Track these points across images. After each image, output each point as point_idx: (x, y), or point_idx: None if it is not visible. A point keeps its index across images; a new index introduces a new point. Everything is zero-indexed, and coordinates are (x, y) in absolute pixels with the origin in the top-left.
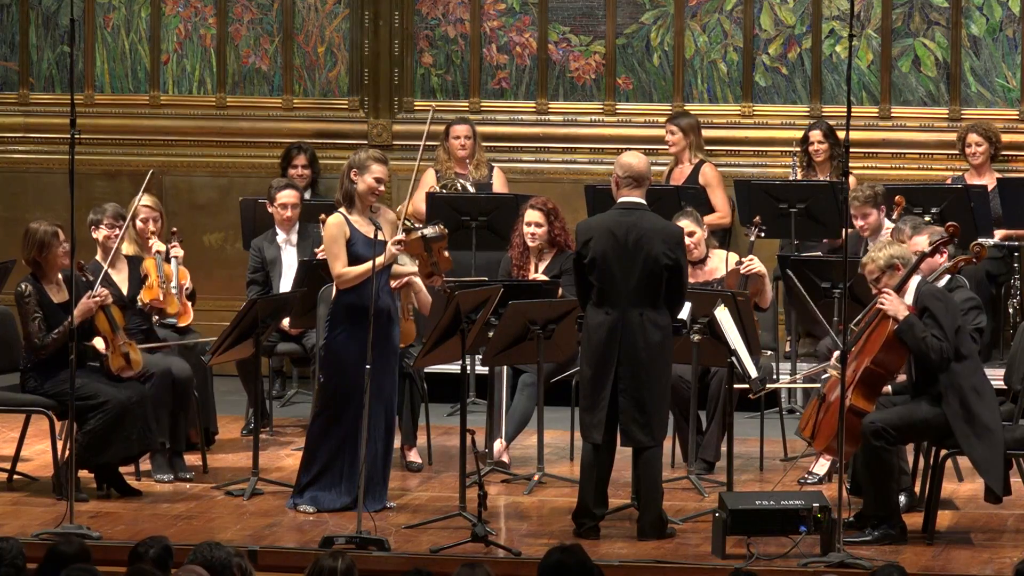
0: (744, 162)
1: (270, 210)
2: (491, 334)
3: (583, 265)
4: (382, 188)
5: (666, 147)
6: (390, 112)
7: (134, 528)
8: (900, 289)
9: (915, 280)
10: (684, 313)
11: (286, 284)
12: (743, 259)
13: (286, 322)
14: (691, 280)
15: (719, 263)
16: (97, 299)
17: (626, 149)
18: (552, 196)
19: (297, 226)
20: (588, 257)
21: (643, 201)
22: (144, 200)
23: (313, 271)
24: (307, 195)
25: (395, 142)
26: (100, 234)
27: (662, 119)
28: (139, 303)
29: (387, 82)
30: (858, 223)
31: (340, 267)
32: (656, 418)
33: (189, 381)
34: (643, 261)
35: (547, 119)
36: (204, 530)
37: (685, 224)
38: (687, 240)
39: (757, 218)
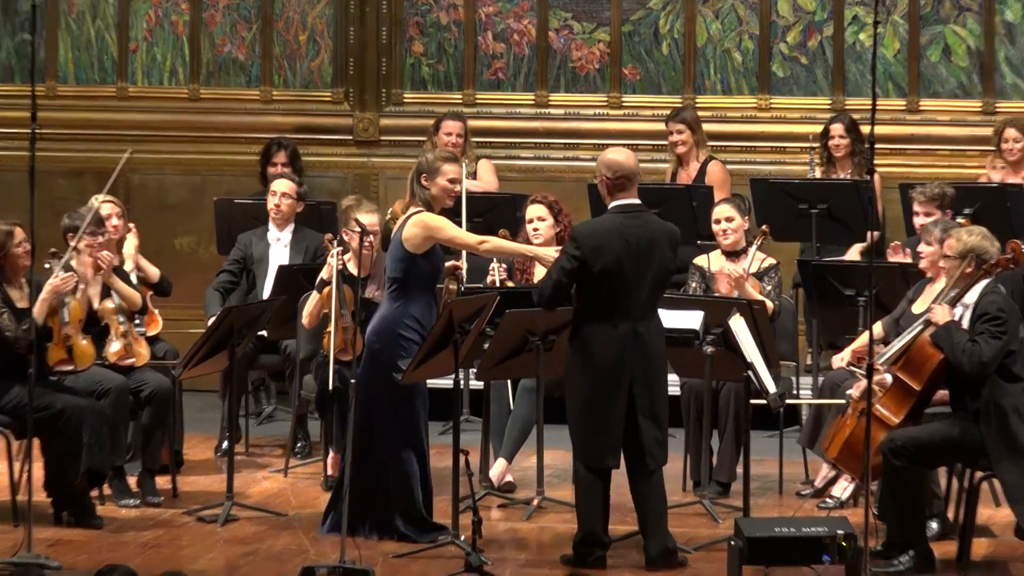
0: (760, 159)
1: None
2: (486, 346)
3: (590, 276)
4: (458, 188)
5: (673, 146)
6: (377, 105)
7: (97, 557)
8: (963, 293)
9: (982, 283)
10: (696, 323)
11: (269, 286)
12: (735, 266)
13: (265, 331)
14: (723, 269)
15: (755, 263)
16: (59, 283)
17: (632, 145)
18: (556, 193)
19: (292, 226)
20: (598, 267)
21: (639, 202)
22: (105, 197)
23: (292, 277)
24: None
25: (382, 137)
26: (83, 243)
27: (667, 112)
28: (105, 362)
29: (374, 73)
30: (918, 221)
31: (475, 238)
32: (666, 435)
33: (169, 395)
34: (654, 268)
35: (547, 113)
36: (173, 559)
37: (724, 210)
38: (726, 226)
39: (765, 227)
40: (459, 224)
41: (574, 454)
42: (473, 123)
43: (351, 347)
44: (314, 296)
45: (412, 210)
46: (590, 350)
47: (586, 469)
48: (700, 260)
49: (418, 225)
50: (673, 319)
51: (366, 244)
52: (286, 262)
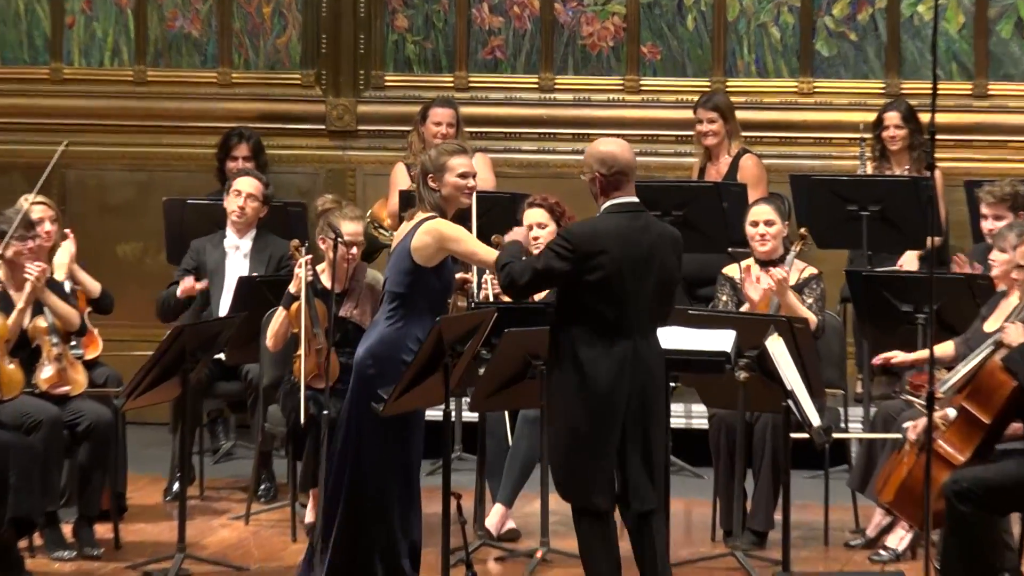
0: (802, 152)
1: (226, 205)
2: (482, 371)
3: (584, 286)
4: (472, 182)
5: (701, 137)
6: (354, 89)
7: None
8: None
9: None
10: (727, 344)
11: (226, 302)
12: (771, 270)
13: (223, 354)
14: (758, 280)
15: (794, 273)
16: (35, 274)
17: (653, 136)
18: (559, 195)
19: (254, 232)
20: (599, 275)
21: (638, 200)
22: (36, 197)
23: (255, 291)
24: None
25: (360, 127)
26: (10, 251)
27: (695, 98)
28: (35, 390)
29: (350, 51)
30: (986, 225)
31: (493, 253)
32: (662, 471)
33: (110, 429)
34: (657, 277)
35: (553, 98)
36: None
37: (762, 211)
38: (765, 230)
39: (804, 230)
40: (468, 228)
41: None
42: (466, 110)
43: (325, 372)
44: (280, 313)
45: (421, 216)
46: (583, 372)
47: (581, 513)
48: (730, 270)
49: (430, 234)
50: (700, 340)
51: (346, 254)
52: (247, 273)
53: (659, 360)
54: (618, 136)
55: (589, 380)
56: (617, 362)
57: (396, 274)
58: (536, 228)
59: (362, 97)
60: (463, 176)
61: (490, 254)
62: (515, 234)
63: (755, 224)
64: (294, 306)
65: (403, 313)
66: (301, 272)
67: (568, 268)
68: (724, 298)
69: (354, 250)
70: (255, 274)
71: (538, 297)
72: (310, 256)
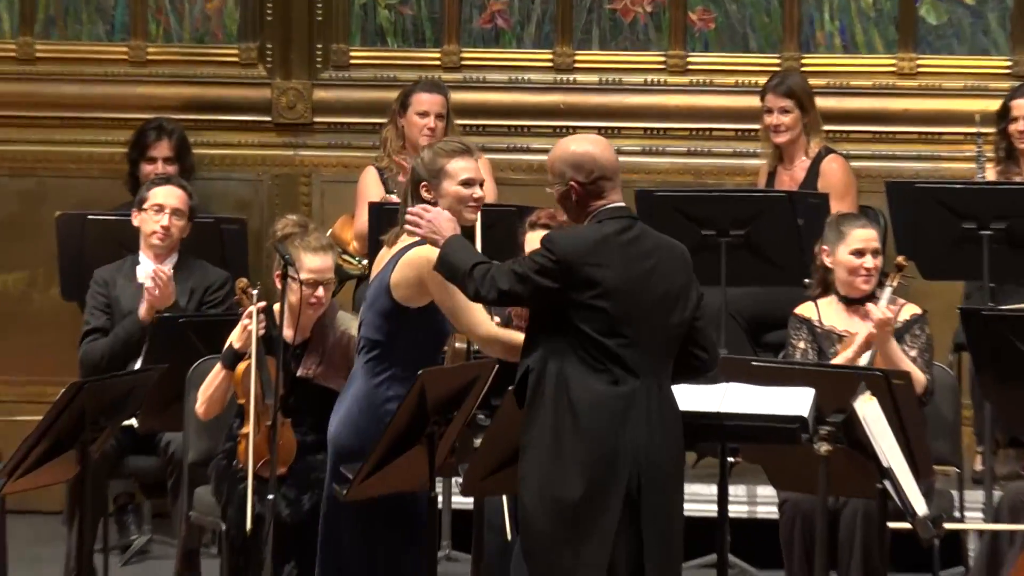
0: (902, 151)
1: (136, 221)
2: (478, 442)
3: (579, 306)
4: (479, 192)
5: (770, 131)
6: (309, 69)
7: None
8: None
9: None
10: (804, 407)
11: (142, 350)
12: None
13: (134, 420)
14: (847, 324)
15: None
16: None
17: (705, 131)
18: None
19: (175, 257)
20: (593, 293)
21: (626, 206)
22: None
23: (178, 335)
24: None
25: (317, 119)
26: None
27: (762, 80)
28: None
29: (304, 19)
30: None
31: (486, 322)
32: (679, 552)
33: None
34: (666, 302)
35: (572, 81)
36: None
37: (868, 236)
38: (873, 262)
39: (902, 258)
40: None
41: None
42: (458, 96)
43: (271, 449)
44: (217, 371)
45: (406, 241)
46: (574, 420)
47: None
48: (806, 310)
49: (414, 266)
50: (767, 401)
51: (310, 296)
52: (157, 310)
53: (675, 413)
54: (662, 130)
55: (582, 431)
56: (621, 405)
57: (374, 316)
58: None
59: (319, 79)
60: (467, 184)
61: (480, 323)
62: (447, 227)
63: (859, 253)
64: (240, 367)
65: (381, 367)
66: (253, 323)
67: (553, 285)
68: (802, 345)
69: (320, 291)
70: (179, 315)
71: None
72: (263, 304)
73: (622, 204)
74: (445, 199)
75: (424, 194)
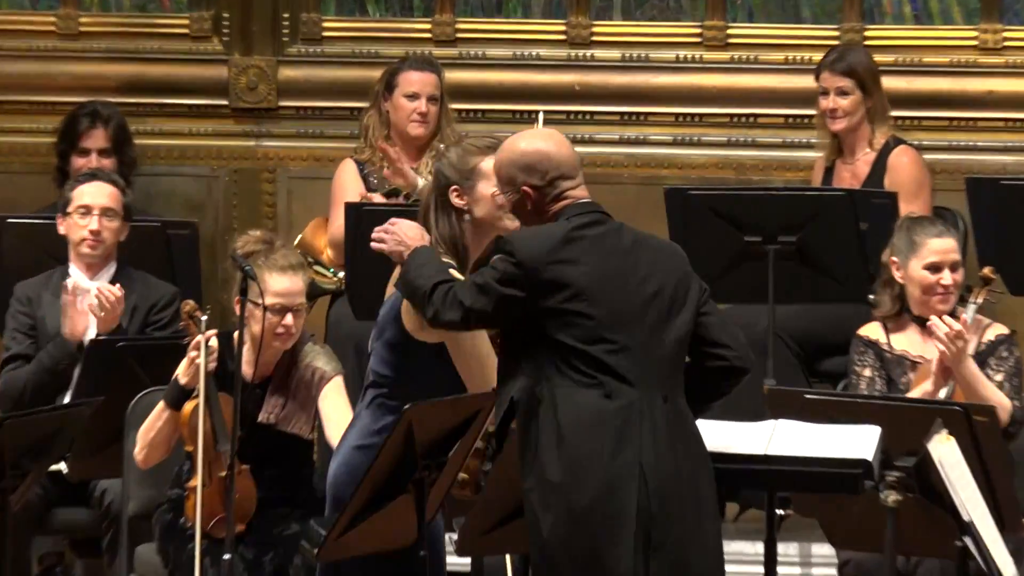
0: (984, 142)
1: (62, 228)
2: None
3: (551, 312)
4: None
5: (826, 116)
6: (273, 43)
7: None
8: None
9: None
10: (868, 449)
11: (73, 380)
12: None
13: (63, 464)
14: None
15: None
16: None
17: (749, 117)
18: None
19: (113, 267)
20: (565, 294)
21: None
22: None
23: (115, 363)
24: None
25: (283, 103)
26: None
27: (817, 56)
28: None
29: None
30: None
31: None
32: None
33: None
34: (658, 298)
35: (589, 57)
36: None
37: (946, 245)
38: (949, 279)
39: (988, 270)
40: None
41: None
42: (453, 76)
43: (227, 504)
44: (160, 410)
45: None
46: (560, 436)
47: None
48: (872, 331)
49: None
50: (823, 442)
51: (278, 327)
52: (100, 333)
53: (691, 430)
54: (696, 117)
55: (575, 460)
56: (617, 424)
57: (382, 347)
58: None
59: (286, 55)
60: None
61: (489, 379)
62: (416, 236)
63: (935, 268)
64: (187, 407)
65: (392, 406)
66: (202, 357)
67: (519, 293)
68: (867, 373)
69: (289, 319)
70: (117, 337)
71: None
72: (213, 332)
73: (590, 200)
74: (481, 204)
75: (455, 200)
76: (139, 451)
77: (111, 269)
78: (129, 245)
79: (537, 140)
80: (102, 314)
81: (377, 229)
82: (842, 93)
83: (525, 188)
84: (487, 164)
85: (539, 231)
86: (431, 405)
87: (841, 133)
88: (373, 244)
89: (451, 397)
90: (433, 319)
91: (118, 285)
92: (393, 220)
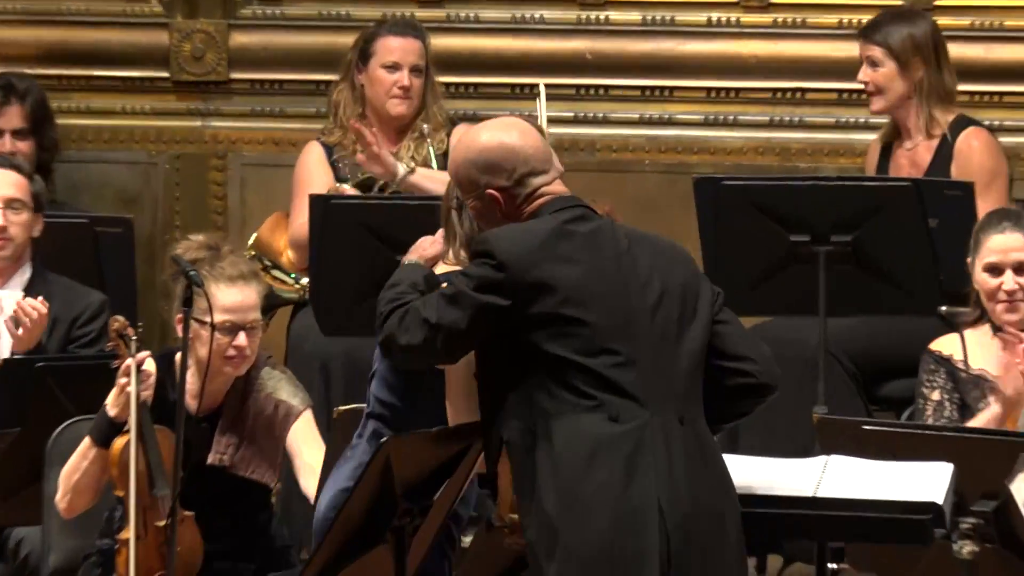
0: None
1: None
2: (467, 541)
3: (541, 321)
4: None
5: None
6: (223, 4)
7: None
8: None
9: None
10: (938, 490)
11: None
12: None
13: None
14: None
15: None
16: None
17: (792, 92)
18: (615, 198)
19: (28, 271)
20: (558, 297)
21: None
22: None
23: (37, 385)
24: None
25: (234, 75)
26: None
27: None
28: None
29: None
30: None
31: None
32: None
33: None
34: (664, 301)
35: (603, 20)
36: None
37: (1012, 242)
38: (1017, 281)
39: None
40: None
41: None
42: (440, 43)
43: (181, 563)
44: (86, 448)
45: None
46: (559, 470)
47: None
48: (947, 345)
49: None
50: (885, 482)
51: (228, 348)
52: (11, 352)
53: (715, 457)
54: (733, 92)
55: (579, 497)
56: (627, 452)
57: (385, 369)
58: None
59: (238, 18)
60: None
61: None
62: (418, 250)
63: (995, 270)
64: (118, 444)
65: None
66: (132, 384)
67: (503, 302)
68: (935, 396)
69: (241, 339)
70: (33, 355)
71: None
72: (147, 354)
73: (572, 195)
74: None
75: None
76: (61, 497)
77: (25, 274)
78: (49, 246)
79: (498, 132)
80: (20, 332)
81: None
82: (872, 63)
83: (490, 192)
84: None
85: (521, 228)
86: (413, 437)
87: (896, 114)
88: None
89: (436, 429)
90: (385, 346)
91: (40, 298)
92: None
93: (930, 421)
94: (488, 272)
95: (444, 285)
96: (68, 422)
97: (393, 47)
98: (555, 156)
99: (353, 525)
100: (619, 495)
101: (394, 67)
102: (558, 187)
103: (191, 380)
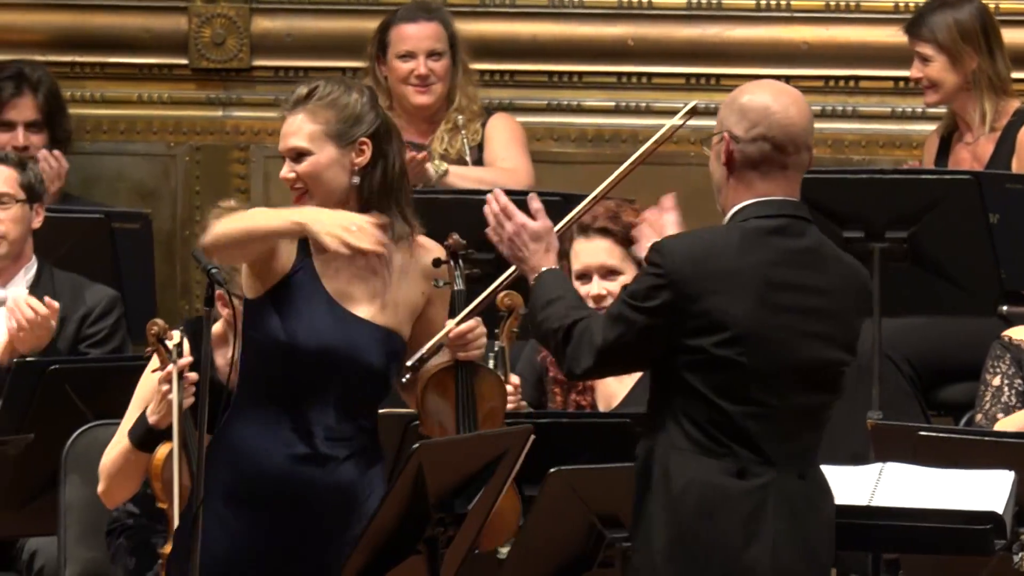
0: None
1: None
2: (504, 552)
3: (692, 348)
4: None
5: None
6: None
7: None
8: None
9: None
10: (999, 499)
11: None
12: None
13: None
14: None
15: None
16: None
17: (845, 80)
18: (658, 192)
19: (33, 267)
20: (717, 332)
21: (798, 201)
22: None
23: (51, 388)
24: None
25: (257, 62)
26: None
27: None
28: None
29: None
30: None
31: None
32: None
33: None
34: (817, 349)
35: (646, 4)
36: None
37: None
38: None
39: None
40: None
41: None
42: (469, 28)
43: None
44: (127, 449)
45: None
46: (676, 517)
47: None
48: (1018, 332)
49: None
50: (942, 490)
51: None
52: (25, 355)
53: (828, 516)
54: (783, 80)
55: (692, 552)
56: (747, 511)
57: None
58: (597, 276)
59: (261, 2)
60: None
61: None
62: (534, 234)
63: None
64: (160, 453)
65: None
66: (174, 392)
67: (663, 322)
68: (996, 382)
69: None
70: (43, 358)
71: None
72: (188, 360)
73: (792, 199)
74: None
75: None
76: (103, 491)
77: (30, 271)
78: (63, 242)
79: (766, 93)
80: (21, 334)
81: (490, 200)
82: (923, 59)
83: (725, 136)
84: None
85: (696, 239)
86: (447, 443)
87: (954, 104)
88: (489, 231)
89: (473, 434)
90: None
91: (23, 285)
92: (502, 199)
93: (987, 407)
94: (653, 288)
95: (621, 294)
96: (85, 427)
97: (406, 34)
98: (811, 153)
99: (384, 536)
100: (734, 556)
101: (408, 56)
102: (789, 183)
103: (220, 362)
